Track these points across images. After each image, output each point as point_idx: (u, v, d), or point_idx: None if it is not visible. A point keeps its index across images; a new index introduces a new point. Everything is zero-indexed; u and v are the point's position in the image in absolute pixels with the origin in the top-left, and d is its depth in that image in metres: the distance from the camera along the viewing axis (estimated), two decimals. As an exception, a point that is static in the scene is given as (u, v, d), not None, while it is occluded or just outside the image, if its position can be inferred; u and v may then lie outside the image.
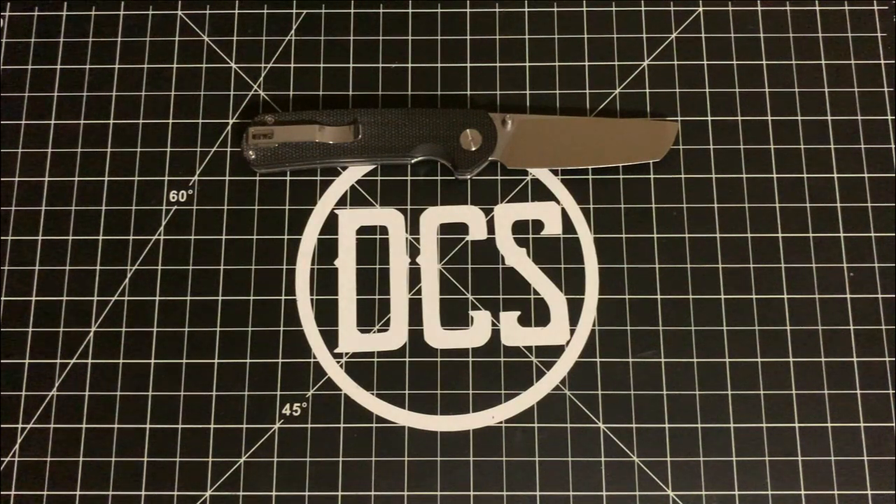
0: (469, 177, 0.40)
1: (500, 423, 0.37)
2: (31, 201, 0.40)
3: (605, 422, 0.37)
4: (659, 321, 0.38)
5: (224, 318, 0.38)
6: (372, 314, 0.38)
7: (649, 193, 0.40)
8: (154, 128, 0.41)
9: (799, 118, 0.40)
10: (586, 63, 0.41)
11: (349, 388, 0.38)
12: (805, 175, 0.40)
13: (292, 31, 0.42)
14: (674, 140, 0.40)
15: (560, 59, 0.41)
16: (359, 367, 0.38)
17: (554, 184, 0.40)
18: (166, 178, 0.40)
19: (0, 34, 0.42)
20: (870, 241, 0.39)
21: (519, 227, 0.39)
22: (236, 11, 0.42)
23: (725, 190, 0.39)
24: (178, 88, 0.41)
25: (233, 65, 0.41)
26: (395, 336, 0.38)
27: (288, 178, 0.40)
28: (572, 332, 0.38)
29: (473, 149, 0.39)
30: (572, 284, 0.39)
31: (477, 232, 0.39)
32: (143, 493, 0.36)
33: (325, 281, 0.39)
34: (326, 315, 0.38)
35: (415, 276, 0.39)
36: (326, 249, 0.39)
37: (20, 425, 0.37)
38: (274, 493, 0.36)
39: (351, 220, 0.40)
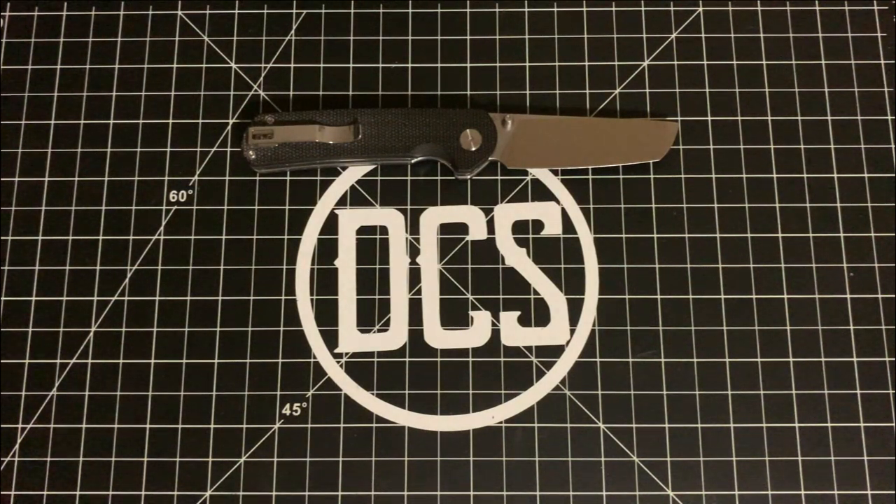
0: (469, 177, 0.40)
1: (500, 423, 0.37)
2: (31, 201, 0.40)
3: (605, 422, 0.37)
4: (659, 321, 0.38)
5: (224, 318, 0.38)
6: (372, 314, 0.38)
7: (649, 193, 0.40)
8: (154, 128, 0.41)
9: (799, 118, 0.40)
10: (586, 63, 0.41)
11: (349, 388, 0.38)
12: (805, 175, 0.40)
13: (292, 31, 0.42)
14: (674, 140, 0.40)
15: (560, 59, 0.41)
16: (359, 367, 0.38)
17: (554, 184, 0.40)
18: (166, 178, 0.40)
19: (0, 34, 0.42)
20: (870, 241, 0.39)
21: (519, 227, 0.39)
22: (236, 11, 0.42)
23: (725, 190, 0.39)
24: (178, 88, 0.41)
25: (233, 65, 0.41)
26: (395, 336, 0.38)
27: (288, 178, 0.40)
28: (572, 332, 0.38)
29: (473, 149, 0.39)
30: (572, 284, 0.39)
31: (477, 232, 0.39)
32: (143, 493, 0.36)
33: (325, 281, 0.39)
34: (326, 315, 0.38)
35: (415, 276, 0.39)
36: (326, 249, 0.39)
37: (20, 425, 0.37)
38: (274, 493, 0.36)
39: (351, 220, 0.40)
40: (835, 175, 0.40)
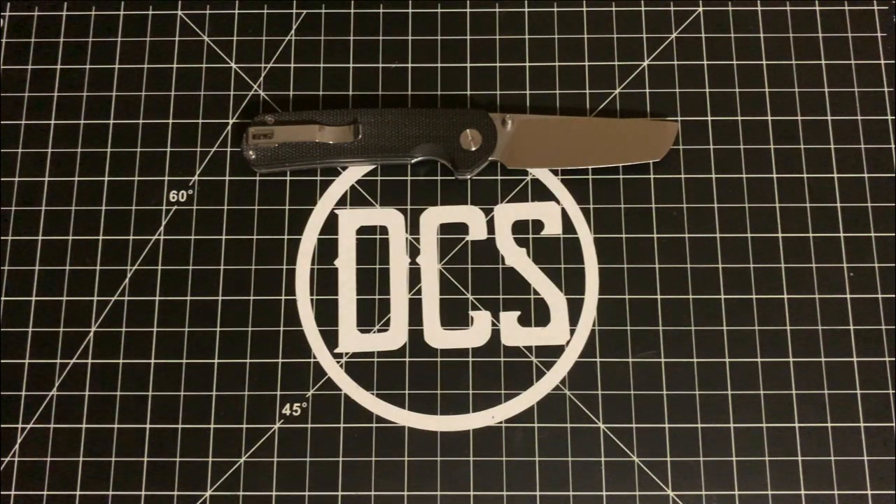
0: (469, 177, 0.40)
1: (500, 423, 0.37)
2: (31, 201, 0.40)
3: (605, 422, 0.37)
4: (659, 321, 0.38)
5: (224, 318, 0.38)
6: (372, 314, 0.38)
7: (649, 193, 0.40)
8: (154, 128, 0.41)
9: (799, 118, 0.40)
10: (586, 63, 0.41)
11: (349, 388, 0.38)
12: (805, 175, 0.40)
13: (292, 31, 0.42)
14: (674, 140, 0.40)
15: (560, 59, 0.41)
16: (359, 367, 0.38)
17: (554, 184, 0.40)
18: (166, 178, 0.40)
19: (0, 34, 0.42)
20: (870, 241, 0.39)
21: (519, 227, 0.39)
22: (236, 11, 0.42)
23: (725, 190, 0.39)
24: (178, 88, 0.41)
25: (233, 65, 0.41)
26: (395, 336, 0.38)
27: (288, 178, 0.40)
28: (572, 332, 0.38)
29: (473, 149, 0.39)
30: (572, 284, 0.39)
31: (477, 232, 0.39)
32: (142, 493, 0.36)
33: (325, 281, 0.39)
34: (326, 315, 0.38)
35: (415, 276, 0.39)
36: (326, 249, 0.39)
37: (20, 425, 0.37)
38: (274, 493, 0.36)
39: (351, 220, 0.40)
40: (835, 175, 0.40)
